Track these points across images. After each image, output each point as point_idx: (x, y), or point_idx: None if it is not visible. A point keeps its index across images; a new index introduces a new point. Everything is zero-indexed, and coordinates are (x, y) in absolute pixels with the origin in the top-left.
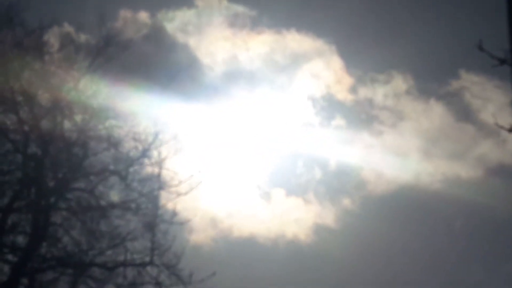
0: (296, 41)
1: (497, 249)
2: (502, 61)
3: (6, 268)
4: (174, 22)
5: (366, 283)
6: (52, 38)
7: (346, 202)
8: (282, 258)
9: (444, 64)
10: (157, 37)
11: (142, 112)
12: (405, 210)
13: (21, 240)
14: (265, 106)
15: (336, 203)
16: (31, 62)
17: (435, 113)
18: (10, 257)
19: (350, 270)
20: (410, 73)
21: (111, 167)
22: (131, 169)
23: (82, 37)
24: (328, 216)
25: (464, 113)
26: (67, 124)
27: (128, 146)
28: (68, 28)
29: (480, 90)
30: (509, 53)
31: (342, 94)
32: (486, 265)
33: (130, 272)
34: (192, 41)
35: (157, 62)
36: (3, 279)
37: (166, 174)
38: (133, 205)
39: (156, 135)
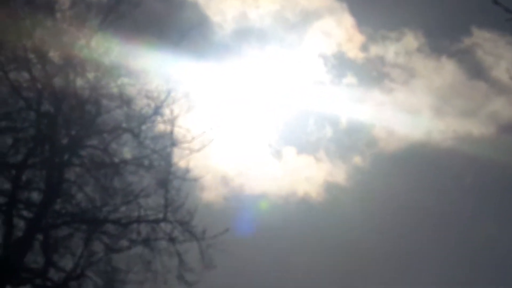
0: None
1: (508, 205)
2: None
3: (22, 224)
4: None
5: (377, 241)
6: None
7: (357, 160)
8: (293, 216)
9: (456, 21)
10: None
11: (154, 70)
12: (416, 167)
13: (35, 196)
14: (275, 64)
15: (347, 161)
16: (43, 20)
17: (447, 71)
18: (25, 213)
19: (361, 227)
20: (422, 30)
21: (124, 125)
22: (143, 127)
23: None
24: (339, 174)
25: (476, 70)
26: (79, 82)
27: (140, 103)
28: None
29: (492, 47)
30: None
31: (353, 52)
32: (497, 221)
33: (144, 229)
34: None
35: (167, 20)
36: (19, 234)
37: (178, 131)
38: (146, 162)
39: (168, 92)
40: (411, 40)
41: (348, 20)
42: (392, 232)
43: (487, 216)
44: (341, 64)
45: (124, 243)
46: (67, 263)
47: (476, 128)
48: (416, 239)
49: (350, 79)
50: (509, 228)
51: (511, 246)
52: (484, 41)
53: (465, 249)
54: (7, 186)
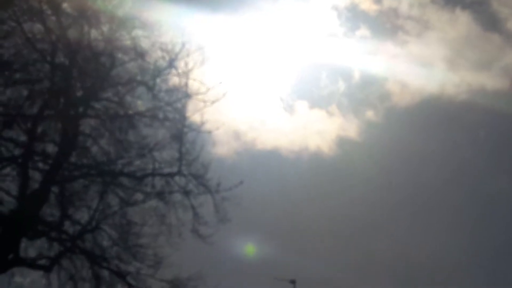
0: None
1: None
2: None
3: (37, 176)
4: None
5: (390, 195)
6: None
7: (370, 114)
8: (305, 170)
9: None
10: None
11: (168, 22)
12: (430, 121)
13: (51, 148)
14: (288, 16)
15: (360, 115)
16: None
17: (461, 22)
18: (41, 165)
19: (374, 182)
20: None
21: (138, 77)
22: (158, 79)
23: None
24: (351, 128)
25: (491, 22)
26: (94, 34)
27: (154, 56)
28: None
29: None
30: None
31: (367, 3)
32: (510, 174)
33: (158, 182)
34: None
35: None
36: (35, 186)
37: (192, 84)
38: (160, 115)
39: (182, 45)
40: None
41: None
42: (405, 187)
43: (501, 169)
44: (354, 16)
45: (139, 196)
46: (83, 216)
47: (490, 81)
48: (429, 194)
49: (363, 31)
50: None
51: None
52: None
53: (478, 202)
54: (22, 138)
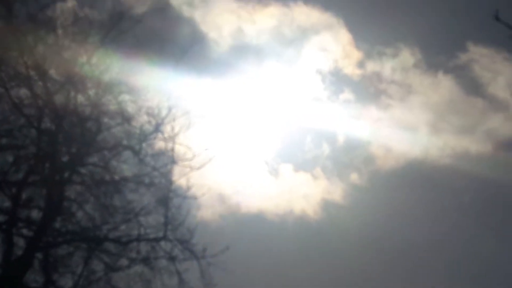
0: (304, 14)
1: (507, 223)
2: None
3: (22, 242)
4: None
5: (375, 258)
6: (64, 12)
7: (354, 177)
8: (291, 234)
9: (452, 37)
10: (162, 11)
11: (154, 87)
12: (414, 185)
13: (35, 214)
14: (273, 80)
15: (344, 178)
16: (45, 36)
17: (444, 87)
18: (25, 231)
19: (359, 245)
20: (418, 46)
21: (125, 142)
22: (144, 144)
23: (94, 12)
24: (336, 191)
25: (473, 86)
26: (80, 99)
27: (141, 120)
28: (80, 2)
29: (489, 63)
30: None
31: (350, 68)
32: (498, 238)
33: (144, 247)
34: (197, 15)
35: (166, 37)
36: (19, 253)
37: (179, 149)
38: (146, 180)
39: (169, 110)
40: (407, 56)
41: (345, 36)
42: (390, 249)
43: (486, 234)
44: (338, 80)
45: (124, 261)
46: (67, 282)
47: (473, 145)
48: (414, 256)
49: (347, 95)
50: (508, 245)
51: (510, 264)
52: (480, 57)
53: (464, 267)
54: (7, 204)
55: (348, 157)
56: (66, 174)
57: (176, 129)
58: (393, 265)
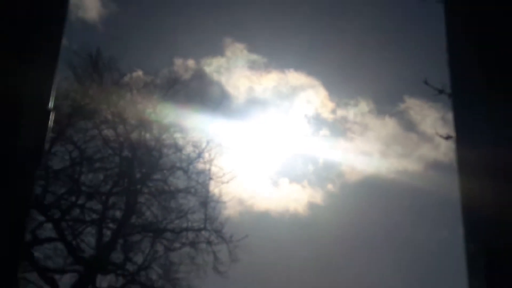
0: (294, 77)
1: (435, 220)
2: (440, 91)
3: (108, 233)
4: (211, 66)
5: (345, 244)
6: (137, 78)
7: (330, 187)
8: (287, 226)
9: (394, 92)
10: (201, 77)
11: (197, 127)
12: (371, 193)
13: (118, 214)
14: (274, 122)
15: (323, 187)
16: (124, 94)
17: (389, 126)
18: (111, 225)
19: (333, 235)
20: (371, 98)
21: (178, 164)
22: (191, 166)
23: (157, 78)
24: (318, 196)
25: (409, 125)
26: (148, 136)
27: (188, 150)
28: (147, 72)
29: (419, 110)
30: (446, 86)
31: (326, 114)
32: (430, 230)
33: (190, 235)
34: (223, 79)
35: (203, 94)
36: (107, 239)
37: (214, 169)
38: (192, 190)
39: (207, 142)
40: (364, 105)
41: (322, 92)
42: (356, 238)
43: (421, 229)
44: (318, 122)
45: (177, 245)
46: (139, 259)
47: (410, 166)
48: (369, 243)
49: (324, 132)
50: (437, 236)
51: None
52: (414, 106)
53: (402, 253)
54: (99, 207)
55: (326, 173)
56: (139, 187)
57: (212, 156)
58: (357, 249)
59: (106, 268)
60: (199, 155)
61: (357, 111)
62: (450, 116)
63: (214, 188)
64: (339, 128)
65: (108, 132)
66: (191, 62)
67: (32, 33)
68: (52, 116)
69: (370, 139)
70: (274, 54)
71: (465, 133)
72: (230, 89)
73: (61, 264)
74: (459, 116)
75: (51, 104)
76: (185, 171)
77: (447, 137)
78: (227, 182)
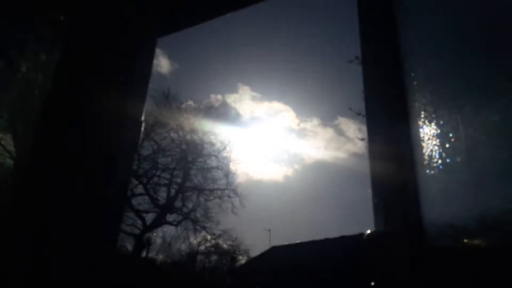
0: (276, 105)
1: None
2: (358, 114)
3: (173, 191)
4: (230, 99)
5: (305, 198)
6: (190, 105)
7: (296, 166)
8: (272, 189)
9: (330, 112)
10: (224, 104)
11: (223, 133)
12: (319, 170)
13: (179, 180)
14: (265, 130)
15: (293, 167)
16: (183, 114)
17: (329, 133)
18: (175, 186)
19: (298, 194)
20: (319, 117)
21: (212, 153)
22: (219, 154)
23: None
24: (289, 172)
25: (340, 132)
26: (196, 137)
27: (218, 145)
28: (195, 101)
29: (346, 124)
30: (362, 110)
31: (294, 126)
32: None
33: (218, 192)
34: (237, 106)
35: (225, 115)
36: (172, 195)
37: (232, 156)
38: (220, 167)
39: (228, 141)
40: (315, 121)
41: (292, 113)
42: (310, 195)
43: (347, 189)
44: (290, 130)
45: (211, 198)
46: (190, 205)
47: (340, 155)
48: (319, 199)
49: (293, 136)
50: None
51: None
52: (343, 121)
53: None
54: (168, 176)
55: (294, 159)
56: (190, 165)
57: (231, 149)
58: (311, 202)
59: (172, 210)
60: (224, 148)
61: (311, 124)
62: (364, 127)
63: (232, 166)
64: (301, 134)
65: (173, 135)
66: (219, 96)
67: (131, 76)
68: (142, 125)
69: (318, 140)
70: (266, 91)
71: (372, 136)
72: (241, 112)
73: (146, 208)
74: (371, 127)
75: (142, 118)
76: (216, 157)
77: (362, 139)
78: (240, 163)
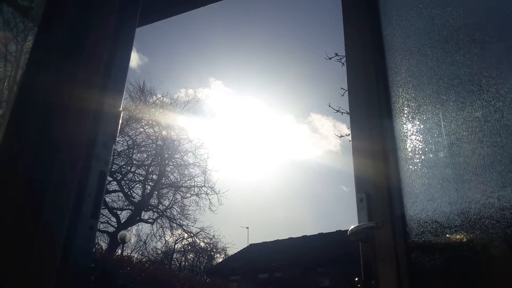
0: (249, 100)
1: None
2: (337, 111)
3: (149, 188)
4: (203, 93)
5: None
6: (164, 100)
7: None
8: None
9: (304, 109)
10: (197, 100)
11: (198, 127)
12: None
13: (154, 177)
14: (237, 123)
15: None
16: (158, 108)
17: (304, 130)
18: (150, 183)
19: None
20: (294, 115)
21: (189, 149)
22: (196, 150)
23: (177, 99)
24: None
25: (314, 129)
26: (172, 133)
27: (195, 141)
28: (168, 95)
29: (319, 121)
30: (340, 107)
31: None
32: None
33: (196, 189)
34: (210, 101)
35: (199, 109)
36: (148, 192)
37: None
38: (197, 164)
39: (205, 137)
40: (287, 118)
41: (264, 107)
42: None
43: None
44: (260, 124)
45: (188, 195)
46: (166, 203)
47: (315, 151)
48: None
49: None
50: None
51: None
52: (317, 118)
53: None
54: (143, 173)
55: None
56: (166, 161)
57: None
58: (295, 193)
59: (147, 207)
60: (201, 144)
61: (285, 120)
62: (339, 124)
63: (210, 163)
64: (276, 130)
65: (149, 130)
66: (191, 91)
67: (111, 62)
68: (121, 115)
69: (293, 137)
70: (238, 86)
71: (356, 132)
72: (214, 107)
73: (121, 205)
74: (354, 123)
75: (121, 108)
76: (193, 153)
77: (341, 136)
78: (217, 160)
